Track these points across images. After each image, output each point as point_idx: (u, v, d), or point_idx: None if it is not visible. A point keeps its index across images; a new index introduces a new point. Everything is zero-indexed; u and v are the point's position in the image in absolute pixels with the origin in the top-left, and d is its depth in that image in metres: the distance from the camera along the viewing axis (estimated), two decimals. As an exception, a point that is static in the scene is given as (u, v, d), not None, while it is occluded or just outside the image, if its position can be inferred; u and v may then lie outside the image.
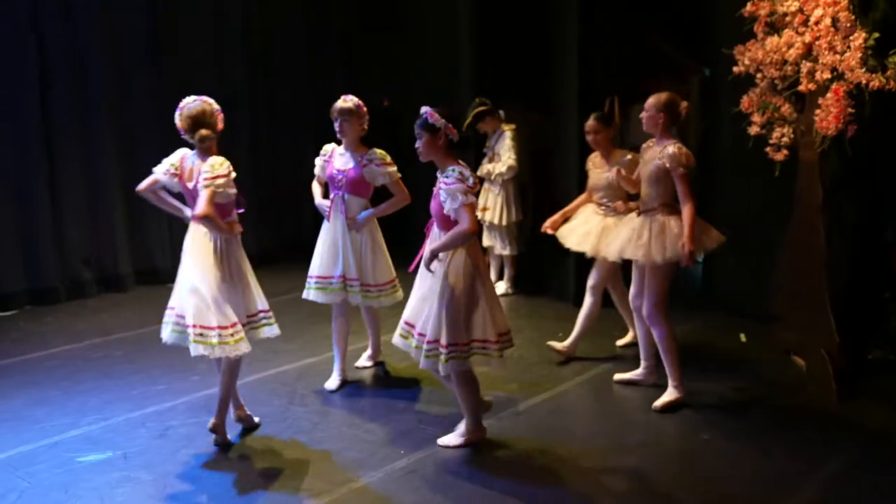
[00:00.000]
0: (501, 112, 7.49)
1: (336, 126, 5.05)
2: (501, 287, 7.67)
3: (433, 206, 4.21)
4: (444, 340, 4.11)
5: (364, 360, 5.70)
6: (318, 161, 5.28)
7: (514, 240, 7.55)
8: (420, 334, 4.26)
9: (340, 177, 5.10)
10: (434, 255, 4.14)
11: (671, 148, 4.79)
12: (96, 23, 7.52)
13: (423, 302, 4.28)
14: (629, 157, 5.50)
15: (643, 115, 4.98)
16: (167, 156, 4.45)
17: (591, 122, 5.61)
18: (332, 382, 5.31)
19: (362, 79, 9.04)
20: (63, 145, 7.42)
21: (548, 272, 7.56)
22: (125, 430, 4.61)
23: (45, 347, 6.21)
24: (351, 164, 5.08)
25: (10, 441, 4.54)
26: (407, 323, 4.39)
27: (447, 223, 4.14)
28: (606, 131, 5.62)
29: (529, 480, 4.09)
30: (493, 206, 7.45)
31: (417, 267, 4.31)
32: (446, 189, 4.04)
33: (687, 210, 4.74)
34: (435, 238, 4.22)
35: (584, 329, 5.80)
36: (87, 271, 7.69)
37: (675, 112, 4.86)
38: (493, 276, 7.78)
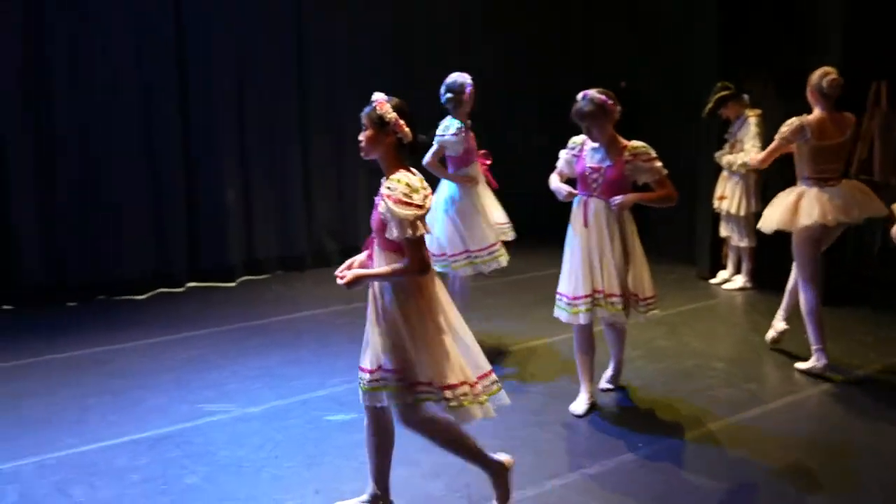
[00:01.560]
0: (746, 97, 7.07)
1: (583, 130, 4.52)
2: (739, 281, 7.33)
3: (373, 217, 3.36)
4: (389, 366, 3.42)
5: (605, 383, 5.05)
6: (563, 154, 4.69)
7: (753, 231, 7.14)
8: (360, 369, 3.57)
9: (595, 176, 4.50)
10: (360, 279, 3.29)
11: None
12: (343, 28, 8.25)
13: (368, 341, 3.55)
14: None
15: None
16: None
17: None
18: (580, 406, 4.73)
19: (597, 65, 8.90)
20: (315, 134, 8.18)
21: (789, 267, 7.09)
22: (368, 394, 4.87)
23: (295, 310, 6.73)
24: (608, 161, 4.48)
25: (267, 395, 4.96)
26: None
27: (388, 243, 3.30)
28: None
29: (758, 480, 3.90)
30: (731, 196, 7.11)
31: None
32: (391, 211, 3.19)
33: None
34: (377, 259, 3.38)
35: None
36: (331, 242, 8.31)
37: (819, 86, 5.02)
38: (730, 268, 7.46)
